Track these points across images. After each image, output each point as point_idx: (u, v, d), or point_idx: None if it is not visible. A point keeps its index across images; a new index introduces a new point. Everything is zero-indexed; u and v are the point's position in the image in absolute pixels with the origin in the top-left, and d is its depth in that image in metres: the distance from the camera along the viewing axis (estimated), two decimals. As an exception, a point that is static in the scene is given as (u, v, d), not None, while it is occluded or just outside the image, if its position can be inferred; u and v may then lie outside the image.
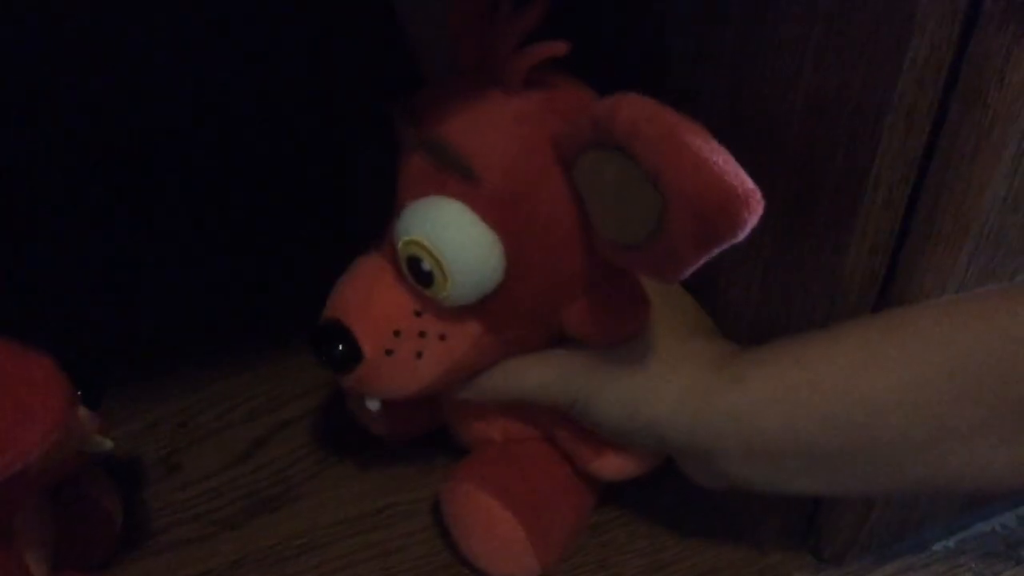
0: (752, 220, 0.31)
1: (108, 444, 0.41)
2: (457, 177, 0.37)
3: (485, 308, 0.39)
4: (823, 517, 0.46)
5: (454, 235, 0.37)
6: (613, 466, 0.45)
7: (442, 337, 0.40)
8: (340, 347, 0.40)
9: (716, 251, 0.32)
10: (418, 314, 0.40)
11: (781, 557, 0.48)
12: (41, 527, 0.41)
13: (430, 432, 0.52)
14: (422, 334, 0.40)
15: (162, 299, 0.63)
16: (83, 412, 0.38)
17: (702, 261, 0.32)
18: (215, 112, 0.72)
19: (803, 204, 0.39)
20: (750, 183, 0.31)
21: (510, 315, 0.40)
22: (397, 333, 0.40)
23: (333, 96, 0.73)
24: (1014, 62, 0.32)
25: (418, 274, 0.38)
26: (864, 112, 0.34)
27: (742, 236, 0.31)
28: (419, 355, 0.40)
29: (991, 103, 0.33)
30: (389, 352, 0.40)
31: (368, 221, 0.43)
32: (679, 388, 0.39)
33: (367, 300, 0.40)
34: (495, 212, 0.37)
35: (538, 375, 0.42)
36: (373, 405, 0.44)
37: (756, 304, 0.44)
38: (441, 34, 0.39)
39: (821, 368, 0.36)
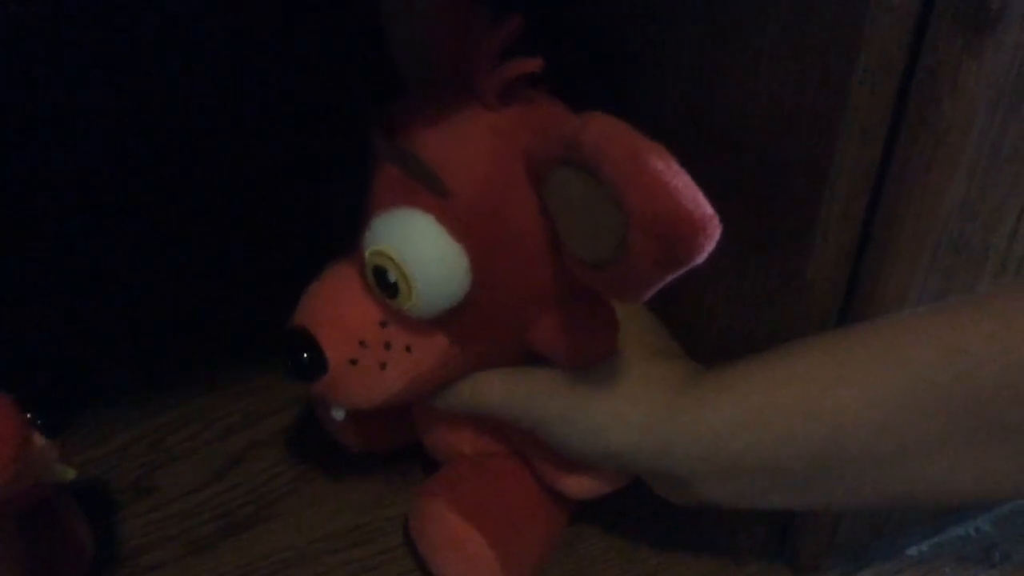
0: (709, 245, 0.31)
1: (71, 473, 0.40)
2: (427, 190, 0.37)
3: (452, 321, 0.39)
4: (797, 526, 0.46)
5: (420, 248, 0.37)
6: (583, 485, 0.44)
7: (408, 349, 0.40)
8: (305, 355, 0.40)
9: (676, 273, 0.32)
10: (384, 325, 0.40)
11: (756, 567, 0.48)
12: (9, 556, 0.41)
13: (406, 447, 0.52)
14: (387, 345, 0.40)
15: (132, 318, 0.63)
16: (42, 442, 0.38)
17: (663, 283, 0.32)
18: (187, 130, 0.72)
19: (764, 217, 0.39)
20: (708, 209, 0.31)
21: (477, 329, 0.40)
22: (362, 343, 0.40)
23: (311, 106, 0.73)
24: (965, 70, 0.32)
25: (384, 285, 0.38)
26: (818, 123, 0.34)
27: (700, 260, 0.31)
28: (384, 366, 0.40)
29: (945, 110, 0.33)
30: (354, 362, 0.40)
31: (343, 230, 0.42)
32: (644, 414, 0.39)
33: (334, 309, 0.40)
34: (464, 226, 0.37)
35: (502, 392, 0.41)
36: (338, 415, 0.44)
37: (721, 318, 0.44)
38: (424, 41, 0.39)
39: (784, 389, 0.36)
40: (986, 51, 0.31)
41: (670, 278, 0.32)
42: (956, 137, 0.33)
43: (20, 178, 0.70)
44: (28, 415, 0.37)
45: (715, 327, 0.44)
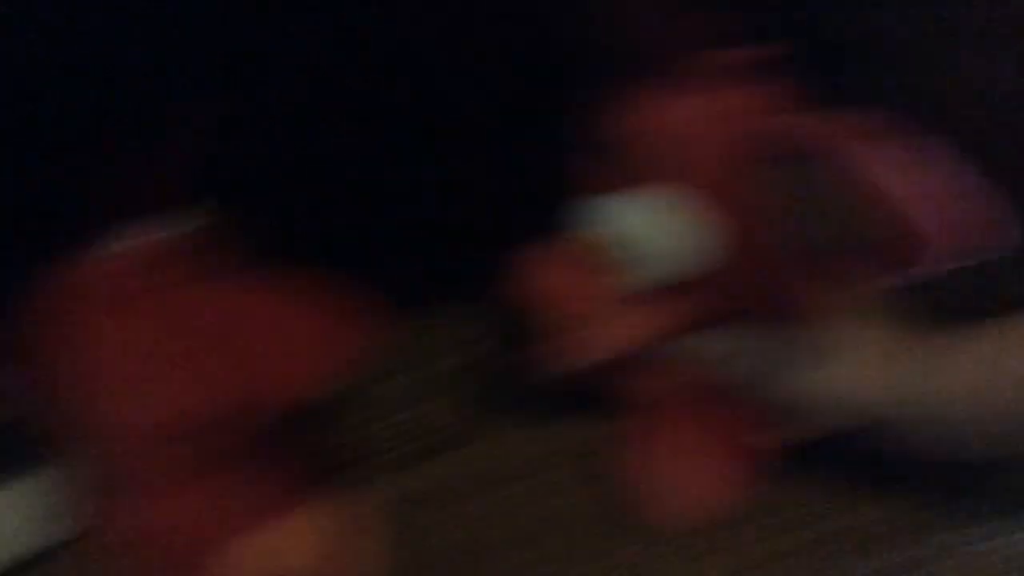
0: (937, 251, 0.31)
1: None
2: (653, 171, 0.38)
3: (686, 289, 0.40)
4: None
5: (652, 227, 0.38)
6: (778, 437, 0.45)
7: (636, 313, 0.41)
8: (529, 324, 0.41)
9: (902, 273, 0.33)
10: (610, 293, 0.41)
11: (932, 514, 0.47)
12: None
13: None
14: (616, 311, 0.41)
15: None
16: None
17: (888, 281, 0.33)
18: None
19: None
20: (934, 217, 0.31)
21: (710, 293, 0.41)
22: (589, 308, 0.41)
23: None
24: None
25: (614, 262, 0.39)
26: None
27: (926, 265, 0.32)
28: (614, 327, 0.41)
29: None
30: (583, 326, 0.41)
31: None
32: (883, 378, 0.39)
33: (560, 284, 0.42)
34: (693, 204, 0.38)
35: (730, 350, 0.43)
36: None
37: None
38: (636, 27, 0.40)
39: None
40: None
41: (897, 277, 0.33)
42: None
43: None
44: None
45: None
